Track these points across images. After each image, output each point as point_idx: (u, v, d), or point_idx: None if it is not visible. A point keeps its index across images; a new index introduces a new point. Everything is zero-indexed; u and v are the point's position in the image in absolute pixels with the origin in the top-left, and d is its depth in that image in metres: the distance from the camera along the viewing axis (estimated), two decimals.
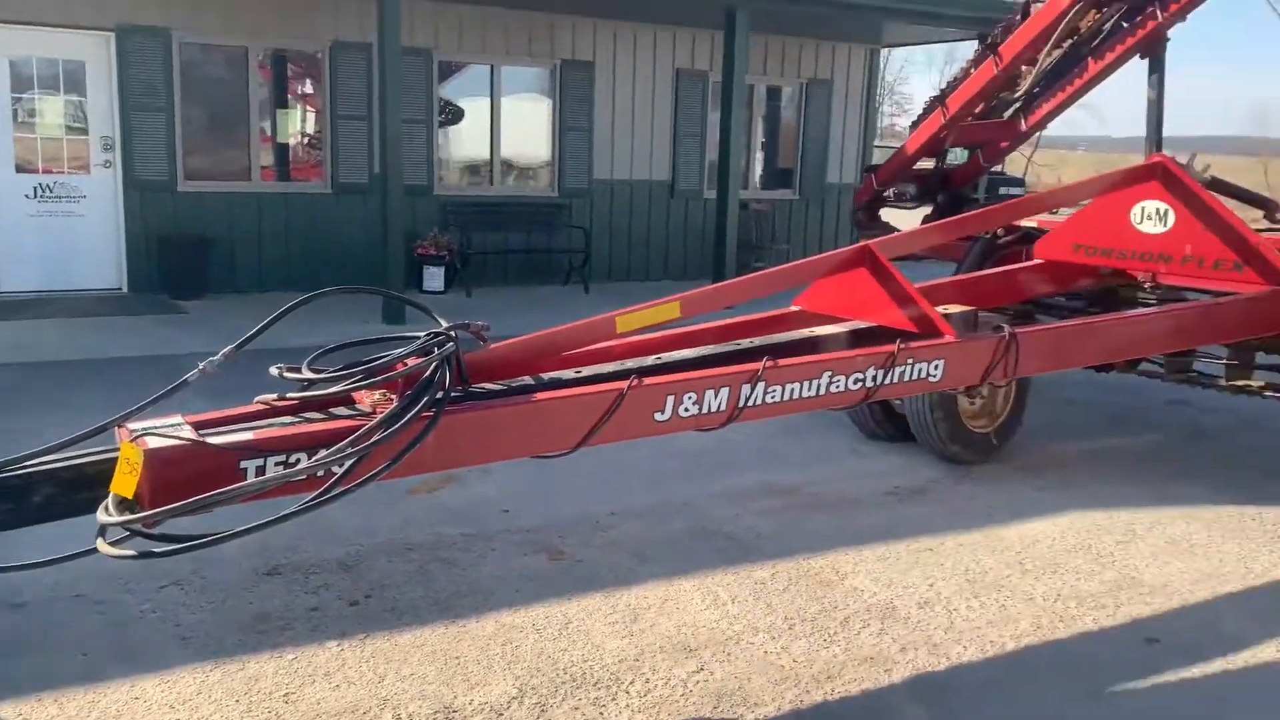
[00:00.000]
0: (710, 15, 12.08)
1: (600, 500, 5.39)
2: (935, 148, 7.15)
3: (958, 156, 8.04)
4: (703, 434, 3.57)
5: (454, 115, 13.05)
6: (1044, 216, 6.38)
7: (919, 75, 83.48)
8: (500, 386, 3.41)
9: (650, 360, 3.86)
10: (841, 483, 5.89)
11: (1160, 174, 5.21)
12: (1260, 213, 6.42)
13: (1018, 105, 6.92)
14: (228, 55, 11.48)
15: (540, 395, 3.31)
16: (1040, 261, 5.84)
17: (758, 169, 15.38)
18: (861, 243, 4.40)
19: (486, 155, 13.03)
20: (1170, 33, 6.30)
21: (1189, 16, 5.99)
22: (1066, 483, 6.02)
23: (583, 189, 13.35)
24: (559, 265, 13.14)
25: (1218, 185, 5.68)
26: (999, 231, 6.72)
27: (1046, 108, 6.73)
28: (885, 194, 7.81)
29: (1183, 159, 5.28)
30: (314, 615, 4.00)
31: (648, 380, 3.44)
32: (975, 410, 6.41)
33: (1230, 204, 5.66)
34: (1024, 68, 6.63)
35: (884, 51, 17.33)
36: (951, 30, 13.85)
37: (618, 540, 4.86)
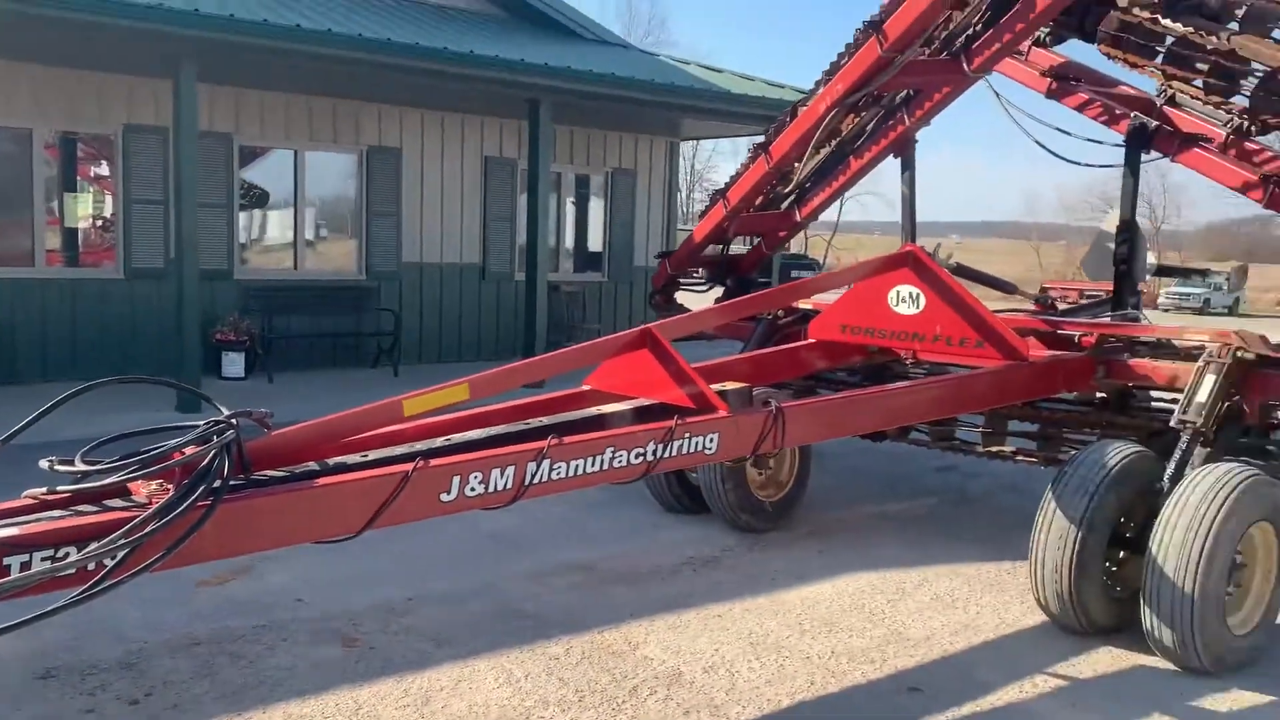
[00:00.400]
0: (514, 107, 12.45)
1: (400, 585, 5.40)
2: (719, 237, 7.62)
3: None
4: (508, 514, 3.70)
5: (258, 199, 12.88)
6: (820, 298, 6.89)
7: (726, 163, 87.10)
8: (283, 473, 3.46)
9: (440, 442, 3.99)
10: (640, 556, 6.10)
11: (911, 262, 5.77)
12: (1001, 294, 7.14)
13: (792, 198, 7.48)
14: (13, 135, 11.00)
15: (323, 480, 3.38)
16: (813, 341, 6.32)
17: (569, 252, 15.78)
18: (643, 326, 4.69)
19: (291, 238, 12.88)
20: (927, 132, 6.99)
21: (933, 120, 6.67)
22: (847, 546, 6.42)
23: (391, 271, 13.35)
24: (368, 348, 13.04)
25: (962, 271, 6.32)
26: (780, 313, 7.21)
27: (817, 200, 7.31)
28: (679, 278, 8.23)
29: (930, 248, 5.87)
30: (87, 718, 3.85)
31: (434, 461, 3.56)
32: (763, 480, 6.77)
33: (978, 288, 6.32)
34: (796, 164, 7.20)
35: (693, 142, 18.18)
36: (742, 125, 14.74)
37: (415, 625, 4.89)
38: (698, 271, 8.50)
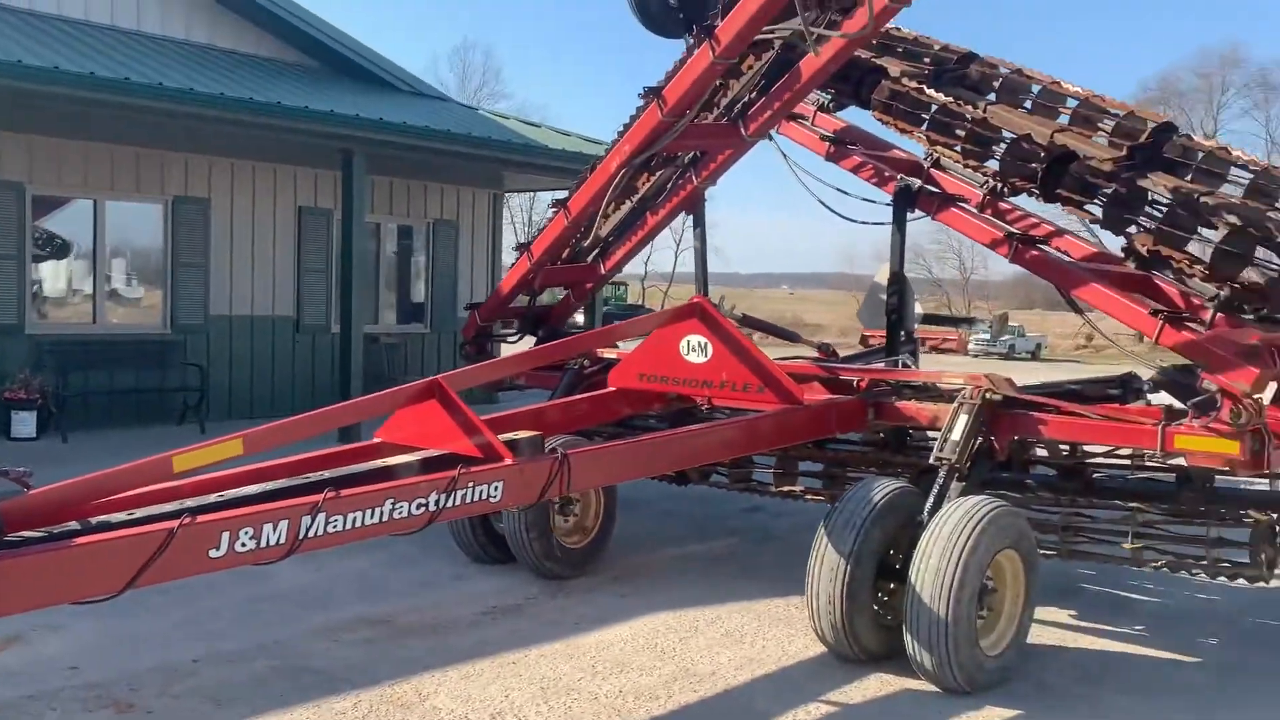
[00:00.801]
0: (328, 157, 12.36)
1: (186, 646, 5.25)
2: (527, 288, 7.79)
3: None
4: (306, 570, 3.69)
5: (59, 250, 12.29)
6: (625, 347, 7.12)
7: None
8: (41, 533, 3.38)
9: (214, 498, 3.96)
10: (440, 608, 6.11)
11: (699, 313, 6.06)
12: (787, 342, 7.56)
13: (597, 251, 7.74)
14: None
15: (82, 539, 3.32)
16: (613, 389, 6.53)
17: (391, 303, 15.64)
18: (431, 377, 4.78)
19: (90, 290, 12.33)
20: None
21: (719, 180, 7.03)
22: (649, 588, 6.61)
23: (198, 325, 12.93)
24: (173, 405, 12.55)
25: (748, 321, 6.68)
26: (586, 362, 7.40)
27: (620, 254, 7.58)
28: (490, 329, 8.34)
29: (716, 299, 6.19)
30: None
31: (201, 518, 3.54)
32: (569, 527, 6.90)
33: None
34: (602, 219, 7.46)
35: (530, 193, 18.33)
36: (561, 179, 15.03)
37: (198, 686, 4.77)
38: (514, 322, 8.65)
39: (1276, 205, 5.90)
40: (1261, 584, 5.63)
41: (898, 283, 6.91)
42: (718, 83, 6.12)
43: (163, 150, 12.45)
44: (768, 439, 5.85)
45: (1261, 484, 5.91)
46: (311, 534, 3.76)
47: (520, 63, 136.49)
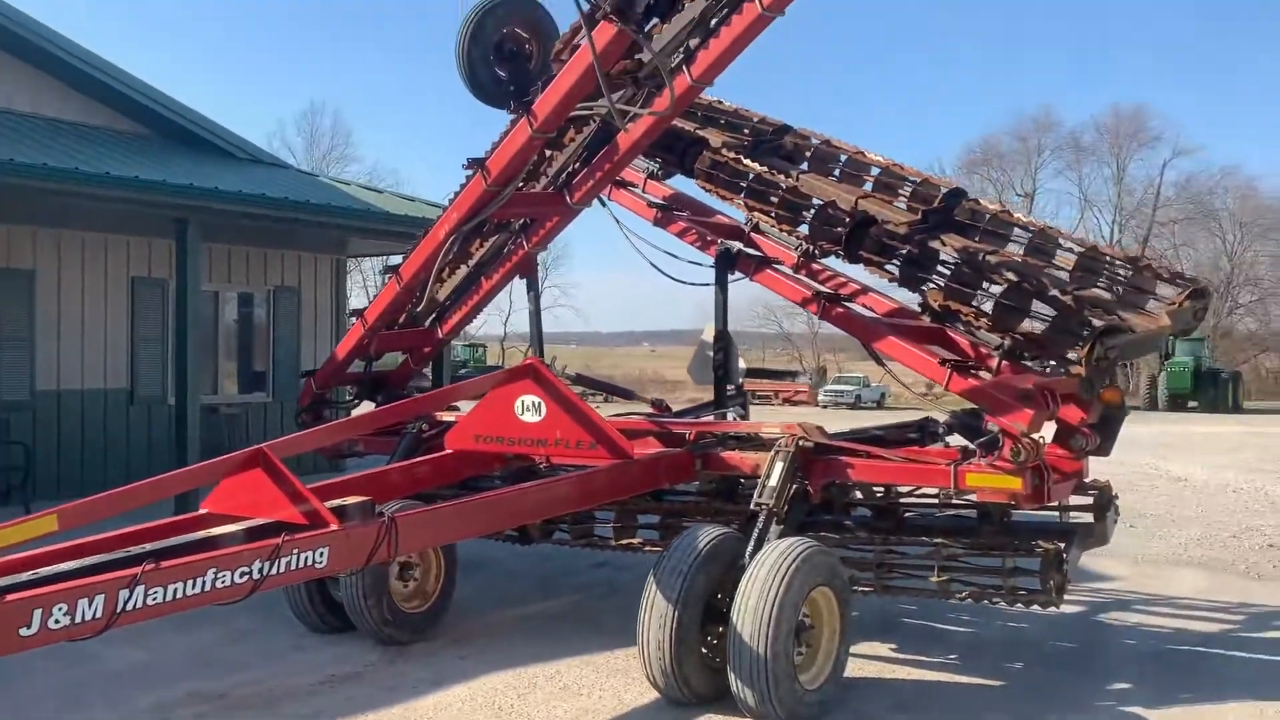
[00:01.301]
0: (162, 226, 12.12)
1: None
2: (363, 353, 7.86)
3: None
4: (136, 648, 3.65)
5: None
6: (465, 409, 7.24)
7: None
8: None
9: (26, 576, 3.91)
10: (277, 679, 6.05)
11: (532, 373, 6.27)
12: (621, 398, 7.84)
13: (434, 316, 7.88)
14: None
15: None
16: (450, 451, 6.65)
17: (231, 372, 15.29)
18: (256, 446, 4.82)
19: None
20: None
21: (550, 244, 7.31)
22: (490, 647, 6.69)
23: (24, 401, 12.39)
24: None
25: (582, 380, 6.93)
26: (425, 425, 7.49)
27: (456, 318, 7.75)
28: (326, 395, 8.34)
29: (549, 359, 6.42)
30: None
31: (10, 596, 3.52)
32: (409, 592, 6.93)
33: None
34: (437, 284, 7.61)
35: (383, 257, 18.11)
36: (404, 244, 15.09)
37: None
38: (351, 388, 8.66)
39: (1053, 262, 6.52)
40: (1054, 609, 6.13)
41: (723, 340, 7.29)
42: (546, 152, 6.42)
43: None
44: (601, 493, 6.06)
45: (1053, 515, 6.46)
46: (131, 606, 3.77)
47: (372, 125, 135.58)
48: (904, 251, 6.55)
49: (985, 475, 5.50)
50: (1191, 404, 41.43)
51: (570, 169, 6.55)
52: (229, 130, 15.21)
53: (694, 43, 5.41)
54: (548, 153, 6.45)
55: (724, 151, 7.63)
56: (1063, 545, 6.04)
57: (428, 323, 8.02)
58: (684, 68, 5.39)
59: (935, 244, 6.50)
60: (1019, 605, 6.14)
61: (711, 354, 7.33)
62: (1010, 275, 6.14)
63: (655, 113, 5.50)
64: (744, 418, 8.34)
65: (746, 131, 7.94)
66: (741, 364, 7.50)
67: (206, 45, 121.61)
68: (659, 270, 7.84)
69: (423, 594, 7.01)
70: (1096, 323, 5.69)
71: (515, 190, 6.25)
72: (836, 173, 7.54)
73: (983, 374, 6.08)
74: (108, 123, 14.02)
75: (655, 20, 5.00)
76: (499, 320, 67.72)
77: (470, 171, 6.30)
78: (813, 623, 5.47)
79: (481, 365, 50.91)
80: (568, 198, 6.43)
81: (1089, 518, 6.36)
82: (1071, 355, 5.74)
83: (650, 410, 7.80)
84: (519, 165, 6.04)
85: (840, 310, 6.54)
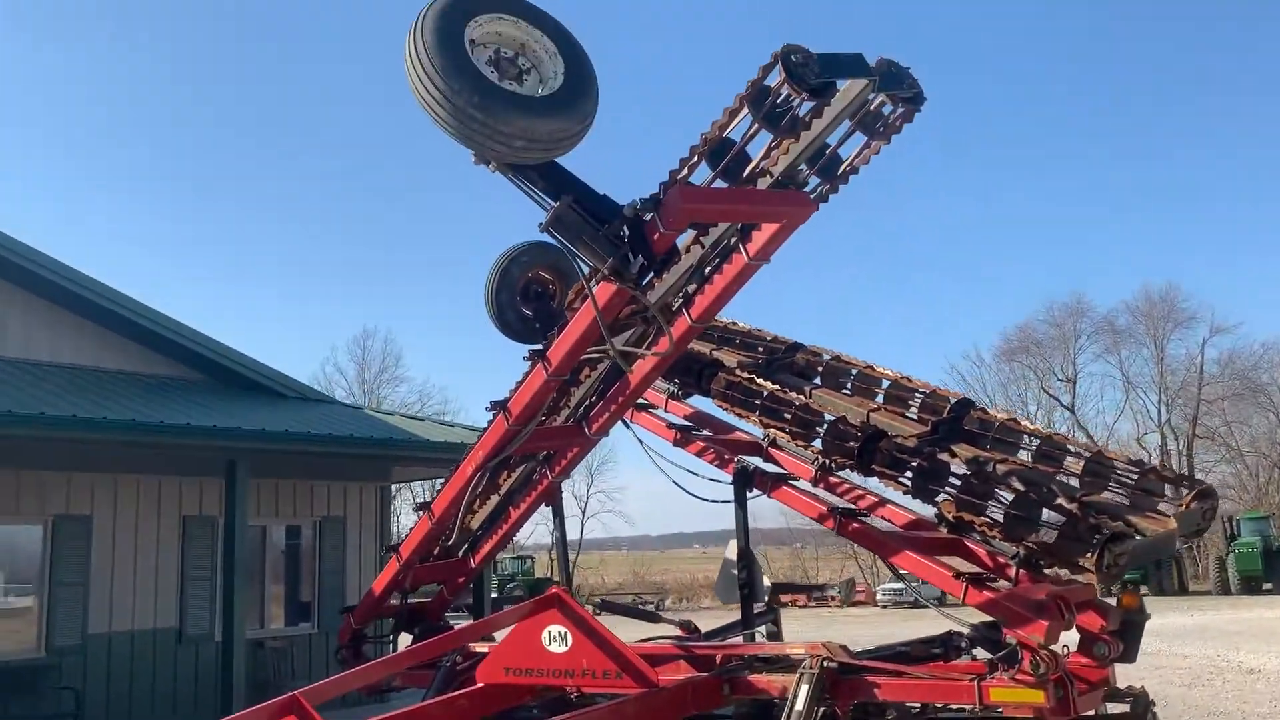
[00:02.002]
0: (213, 466, 12.67)
1: None
2: (398, 587, 8.06)
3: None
4: None
5: None
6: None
7: None
8: None
9: None
10: None
11: (558, 603, 6.43)
12: (647, 622, 7.91)
13: (466, 546, 8.12)
14: None
15: None
16: (481, 685, 6.74)
17: (278, 607, 15.50)
18: (291, 693, 5.00)
19: None
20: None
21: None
22: None
23: (76, 645, 12.64)
24: None
25: (607, 606, 7.04)
26: (458, 658, 7.59)
27: (487, 547, 7.97)
28: (363, 632, 8.49)
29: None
30: None
31: None
32: None
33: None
34: (468, 517, 7.88)
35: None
36: (445, 469, 15.52)
37: None
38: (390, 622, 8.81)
39: (1062, 468, 6.68)
40: None
41: (745, 558, 7.41)
42: (570, 390, 6.84)
43: (43, 471, 12.61)
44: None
45: None
46: None
47: (420, 347, 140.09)
48: (914, 464, 6.75)
49: (1009, 689, 5.49)
50: (1266, 585, 39.81)
51: (588, 402, 6.92)
52: (278, 371, 16.05)
53: (692, 288, 5.86)
54: (566, 388, 6.84)
55: (738, 372, 8.00)
56: None
57: (460, 553, 8.24)
58: (684, 310, 5.81)
59: (944, 455, 6.70)
60: None
61: (735, 573, 7.44)
62: (1018, 484, 6.30)
63: (657, 353, 5.89)
64: (775, 635, 8.36)
65: (761, 350, 8.34)
66: (766, 580, 7.59)
67: (265, 279, 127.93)
68: (682, 489, 8.07)
69: None
70: (1106, 530, 5.79)
71: (537, 426, 6.61)
72: (848, 387, 7.85)
73: (1002, 584, 6.14)
74: (163, 370, 14.87)
75: (652, 275, 5.46)
76: (546, 529, 67.67)
77: (493, 414, 6.69)
78: None
79: (530, 578, 50.44)
80: (586, 430, 6.77)
81: None
82: (1083, 563, 5.81)
83: (678, 633, 7.84)
84: (537, 406, 6.42)
85: (856, 525, 6.68)
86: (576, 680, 6.36)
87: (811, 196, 5.69)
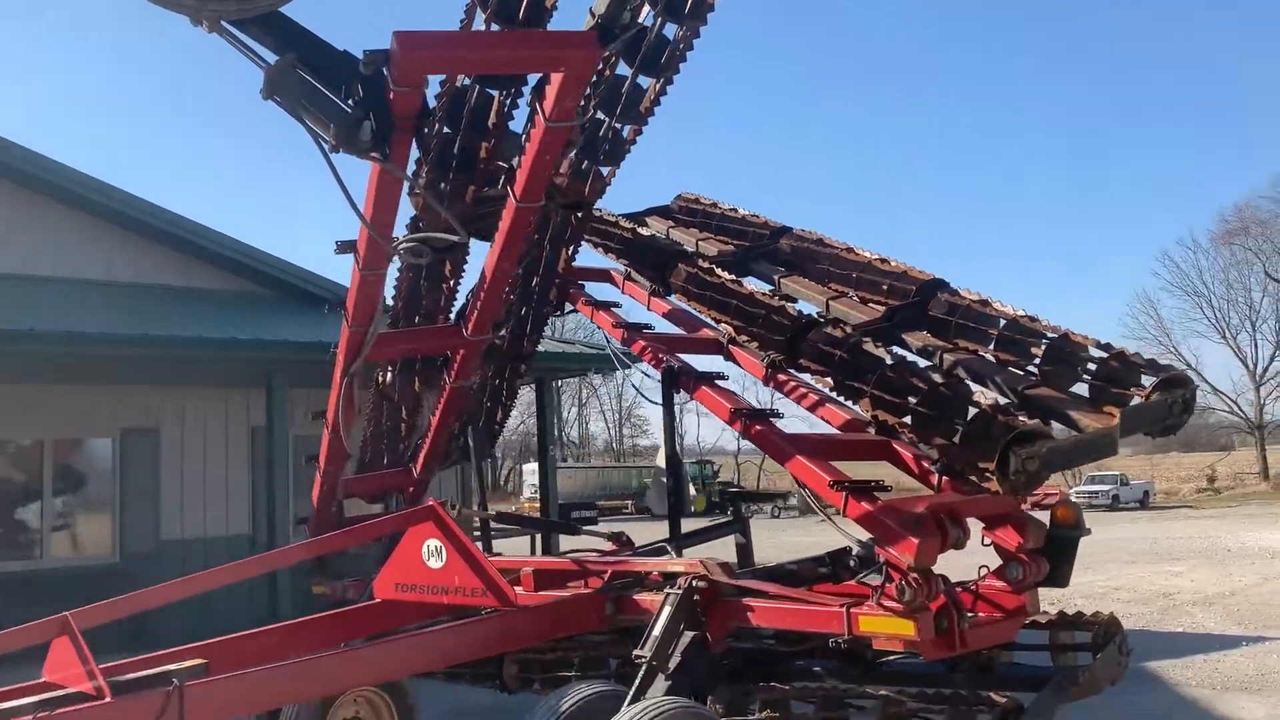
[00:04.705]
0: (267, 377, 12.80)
1: None
2: (332, 497, 7.74)
3: None
4: None
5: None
6: None
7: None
8: None
9: None
10: None
11: (433, 516, 5.92)
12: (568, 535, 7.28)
13: (408, 454, 7.77)
14: None
15: None
16: (378, 600, 6.36)
17: None
18: (62, 613, 4.73)
19: (37, 526, 12.79)
20: None
21: None
22: None
23: (149, 551, 13.21)
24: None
25: (504, 518, 6.48)
26: None
27: (423, 456, 7.55)
28: None
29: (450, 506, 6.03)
30: None
31: None
32: None
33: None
34: (404, 426, 7.48)
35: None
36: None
37: None
38: None
39: (1013, 357, 5.55)
40: None
41: (673, 464, 6.64)
42: (444, 287, 6.26)
43: (113, 386, 13.10)
44: (472, 646, 5.58)
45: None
46: None
47: None
48: (835, 357, 5.81)
49: (878, 619, 4.60)
50: None
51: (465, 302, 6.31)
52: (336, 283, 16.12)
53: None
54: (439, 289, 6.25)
55: (700, 262, 7.20)
56: (1047, 694, 4.96)
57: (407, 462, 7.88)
58: (509, 188, 5.06)
59: (868, 348, 5.73)
60: None
61: (665, 480, 6.72)
62: (937, 377, 5.29)
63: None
64: (745, 547, 7.62)
65: (748, 238, 7.50)
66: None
67: None
68: (635, 390, 7.40)
69: None
70: (1016, 429, 4.73)
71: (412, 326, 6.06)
72: (826, 274, 6.88)
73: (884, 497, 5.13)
74: (241, 287, 15.21)
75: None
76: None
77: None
78: None
79: (711, 485, 48.13)
80: (464, 330, 6.14)
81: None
82: (985, 467, 4.78)
83: (608, 547, 7.19)
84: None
85: (759, 428, 5.80)
86: (451, 597, 5.88)
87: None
